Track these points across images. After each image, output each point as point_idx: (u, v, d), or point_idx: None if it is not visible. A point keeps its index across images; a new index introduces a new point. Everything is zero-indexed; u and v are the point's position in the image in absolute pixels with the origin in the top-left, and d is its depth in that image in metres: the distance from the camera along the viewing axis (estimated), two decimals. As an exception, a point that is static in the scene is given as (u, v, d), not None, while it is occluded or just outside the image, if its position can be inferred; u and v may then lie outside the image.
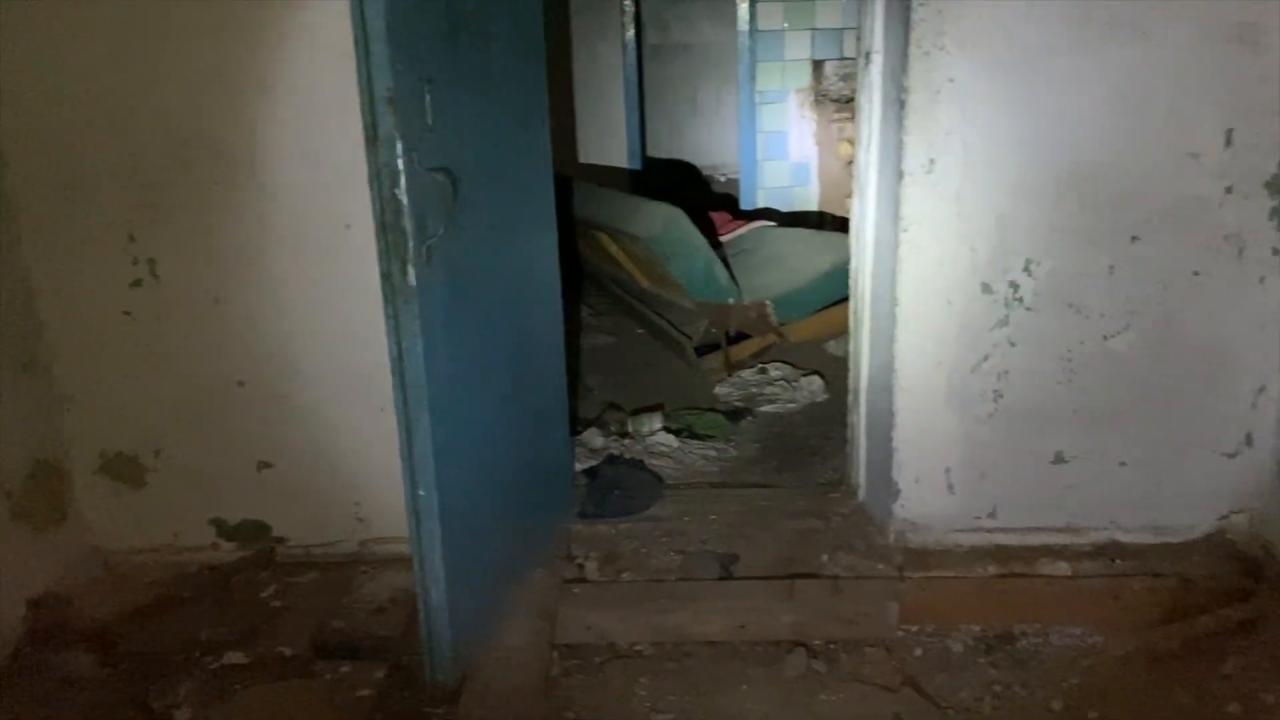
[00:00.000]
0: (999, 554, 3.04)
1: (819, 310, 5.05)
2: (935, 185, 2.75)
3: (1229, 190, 2.73)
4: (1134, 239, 2.78)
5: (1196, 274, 2.80)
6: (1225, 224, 2.75)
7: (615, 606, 2.85)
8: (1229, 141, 2.69)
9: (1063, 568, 2.99)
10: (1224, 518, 3.02)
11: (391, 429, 2.34)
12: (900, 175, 2.76)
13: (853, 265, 3.26)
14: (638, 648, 2.83)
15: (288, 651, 2.75)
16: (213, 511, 3.12)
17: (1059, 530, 3.05)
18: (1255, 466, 2.95)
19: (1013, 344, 2.89)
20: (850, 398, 3.38)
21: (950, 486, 3.02)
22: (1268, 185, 2.72)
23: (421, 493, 2.35)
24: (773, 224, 6.09)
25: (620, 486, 3.48)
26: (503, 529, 2.78)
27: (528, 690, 2.54)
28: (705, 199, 7.17)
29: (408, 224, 2.18)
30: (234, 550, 3.14)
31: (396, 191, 2.16)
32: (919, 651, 2.80)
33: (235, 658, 2.72)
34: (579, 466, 3.67)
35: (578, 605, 2.87)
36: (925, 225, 2.79)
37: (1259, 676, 2.61)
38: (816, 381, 4.52)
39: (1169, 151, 2.71)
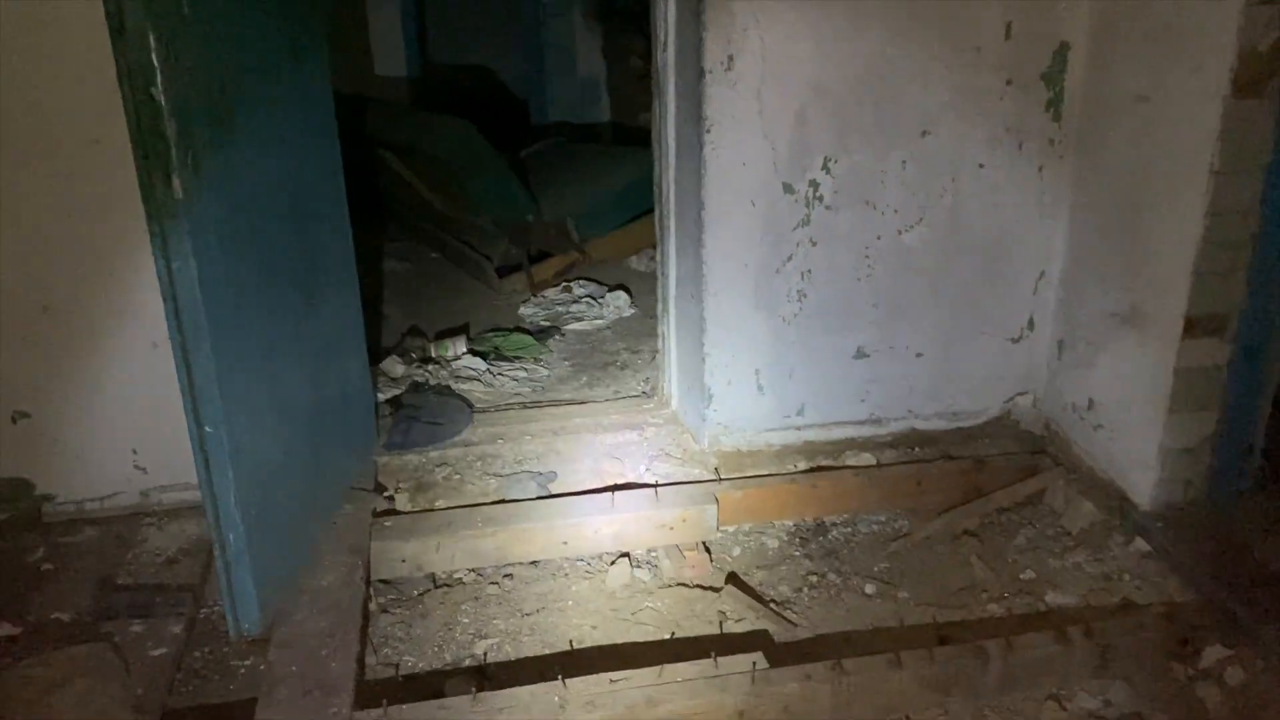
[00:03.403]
0: (808, 450, 3.12)
1: (621, 226, 4.99)
2: (736, 83, 2.71)
3: (1009, 83, 2.82)
4: (924, 133, 2.84)
5: (982, 166, 2.90)
6: (1006, 116, 2.86)
7: (430, 536, 2.73)
8: (1008, 34, 2.77)
9: (867, 458, 3.10)
10: (1010, 400, 3.20)
11: (167, 366, 2.11)
12: (701, 74, 2.70)
13: (656, 171, 3.19)
14: (457, 575, 2.74)
15: (66, 617, 2.49)
16: (-38, 472, 2.78)
17: (862, 423, 3.16)
18: (1037, 350, 3.14)
19: (814, 243, 2.92)
20: (659, 307, 3.35)
21: (760, 388, 3.05)
22: (1044, 77, 2.83)
23: (209, 429, 2.14)
24: (565, 139, 5.95)
25: (427, 414, 3.33)
26: (303, 464, 2.59)
27: (342, 630, 2.40)
28: (499, 113, 6.95)
29: (169, 128, 1.93)
30: (-9, 513, 2.81)
31: (153, 90, 1.90)
32: (738, 550, 2.84)
33: (3, 630, 2.44)
34: (381, 396, 3.49)
35: (390, 538, 2.73)
36: (727, 125, 2.75)
37: (1046, 544, 2.81)
38: (622, 297, 4.48)
39: (954, 44, 2.77)
